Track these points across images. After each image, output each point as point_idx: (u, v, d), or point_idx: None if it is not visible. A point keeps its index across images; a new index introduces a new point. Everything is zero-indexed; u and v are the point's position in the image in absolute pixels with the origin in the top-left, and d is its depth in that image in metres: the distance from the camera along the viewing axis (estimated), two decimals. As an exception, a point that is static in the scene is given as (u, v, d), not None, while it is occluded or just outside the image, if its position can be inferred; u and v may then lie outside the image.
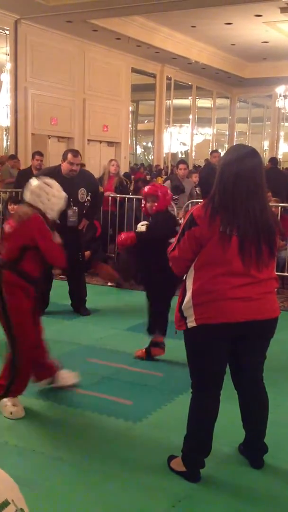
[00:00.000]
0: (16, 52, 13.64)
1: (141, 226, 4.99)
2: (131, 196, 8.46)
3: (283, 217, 7.41)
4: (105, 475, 2.99)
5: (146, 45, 15.79)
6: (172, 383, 4.23)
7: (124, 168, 16.71)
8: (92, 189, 6.03)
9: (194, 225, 2.73)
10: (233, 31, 15.40)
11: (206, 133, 23.15)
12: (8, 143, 13.99)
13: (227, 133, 24.75)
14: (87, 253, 6.78)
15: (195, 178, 10.55)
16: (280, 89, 19.74)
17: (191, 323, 2.80)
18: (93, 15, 12.78)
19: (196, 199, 8.22)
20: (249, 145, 3.16)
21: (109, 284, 7.43)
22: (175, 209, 7.74)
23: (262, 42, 16.50)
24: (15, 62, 13.60)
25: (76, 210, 5.77)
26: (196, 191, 9.15)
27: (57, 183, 3.85)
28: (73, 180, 5.68)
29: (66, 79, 15.19)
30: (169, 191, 4.91)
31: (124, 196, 8.42)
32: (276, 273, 3.20)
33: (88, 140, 16.29)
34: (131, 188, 10.80)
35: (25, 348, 3.59)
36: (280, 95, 20.01)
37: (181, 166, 8.56)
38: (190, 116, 21.69)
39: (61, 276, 6.67)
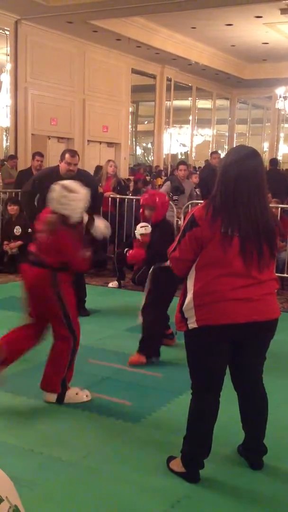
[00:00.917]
0: (16, 52, 13.64)
1: (140, 228, 5.01)
2: (131, 197, 8.47)
3: (283, 218, 7.42)
4: (105, 475, 2.99)
5: (146, 46, 15.79)
6: (172, 383, 4.23)
7: (124, 169, 16.73)
8: (91, 189, 6.01)
9: (195, 226, 2.73)
10: (233, 32, 15.41)
11: (206, 134, 23.16)
12: (8, 143, 14.00)
13: (227, 134, 24.77)
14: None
15: (195, 179, 10.56)
16: (280, 90, 19.77)
17: (192, 324, 2.80)
18: (93, 16, 12.78)
19: (196, 200, 8.23)
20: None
21: (109, 285, 7.43)
22: (175, 210, 7.74)
23: (262, 43, 16.51)
24: (15, 62, 13.60)
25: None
26: (196, 192, 9.16)
27: (75, 183, 3.93)
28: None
29: (66, 79, 15.20)
30: (167, 198, 5.05)
31: (124, 197, 8.44)
32: (276, 274, 3.20)
33: (88, 140, 16.29)
34: (131, 188, 10.79)
35: (78, 341, 3.85)
36: (280, 96, 20.04)
37: (181, 167, 8.56)
38: (190, 117, 21.71)
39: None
